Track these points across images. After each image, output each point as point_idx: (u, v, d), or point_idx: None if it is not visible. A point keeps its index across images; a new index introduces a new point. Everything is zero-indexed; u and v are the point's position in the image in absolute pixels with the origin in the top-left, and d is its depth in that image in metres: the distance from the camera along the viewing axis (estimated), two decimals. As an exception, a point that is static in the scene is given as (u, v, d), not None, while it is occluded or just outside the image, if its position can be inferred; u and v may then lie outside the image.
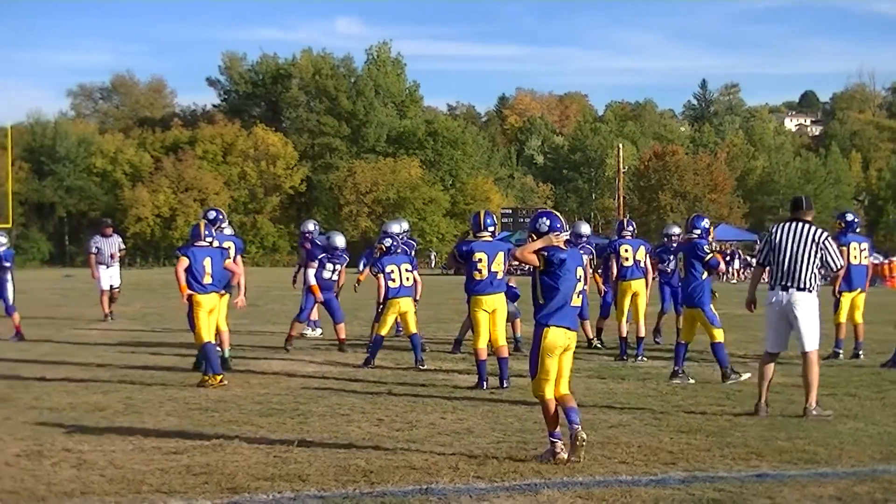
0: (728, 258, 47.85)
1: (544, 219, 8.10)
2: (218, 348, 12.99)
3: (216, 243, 12.91)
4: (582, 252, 9.51)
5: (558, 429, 7.80)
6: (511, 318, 14.45)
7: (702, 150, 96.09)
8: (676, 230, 17.77)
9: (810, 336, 9.82)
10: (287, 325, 16.72)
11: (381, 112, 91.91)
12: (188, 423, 9.49)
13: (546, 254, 7.83)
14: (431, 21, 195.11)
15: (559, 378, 7.88)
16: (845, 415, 9.84)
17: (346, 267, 16.46)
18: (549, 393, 7.82)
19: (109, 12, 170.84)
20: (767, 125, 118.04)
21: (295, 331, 16.12)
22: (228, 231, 14.96)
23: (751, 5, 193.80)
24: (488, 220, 12.02)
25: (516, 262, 8.75)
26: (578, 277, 7.94)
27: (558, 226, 8.01)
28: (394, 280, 13.78)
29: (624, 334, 14.68)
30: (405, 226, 16.92)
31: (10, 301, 18.31)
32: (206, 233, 12.60)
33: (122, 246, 23.28)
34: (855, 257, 14.79)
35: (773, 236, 10.02)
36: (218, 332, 13.05)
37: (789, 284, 9.81)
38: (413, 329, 13.90)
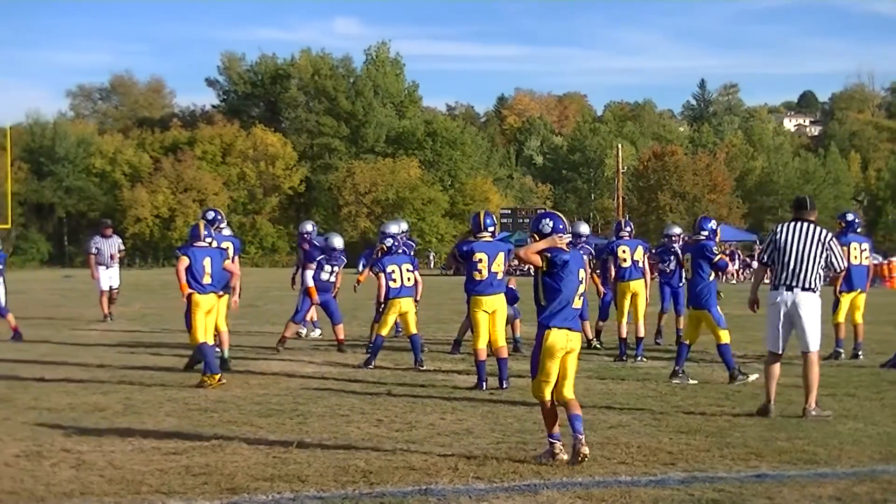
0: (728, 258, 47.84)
1: (547, 220, 8.07)
2: (217, 349, 13.02)
3: (215, 244, 12.92)
4: (581, 252, 9.50)
5: (557, 430, 7.79)
6: (510, 320, 14.45)
7: (701, 151, 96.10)
8: (677, 230, 17.76)
9: (813, 336, 9.83)
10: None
11: (380, 112, 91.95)
12: (187, 423, 9.49)
13: (549, 255, 7.81)
14: (430, 21, 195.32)
15: (564, 381, 7.83)
16: (845, 415, 9.83)
17: (344, 268, 16.45)
18: (549, 394, 7.81)
19: (108, 12, 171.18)
20: (766, 125, 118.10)
21: (289, 332, 16.05)
22: (227, 232, 14.97)
23: (750, 5, 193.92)
24: (488, 221, 12.01)
25: (517, 262, 8.74)
26: (580, 279, 7.92)
27: (561, 227, 7.99)
28: (395, 280, 13.77)
29: (623, 335, 14.67)
30: (404, 226, 16.88)
31: (3, 303, 18.27)
32: (206, 233, 12.61)
33: (122, 247, 23.28)
34: (855, 257, 14.78)
35: (777, 236, 9.99)
36: (217, 333, 13.06)
37: (794, 284, 9.80)
38: (413, 330, 13.89)
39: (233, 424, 9.39)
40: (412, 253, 15.90)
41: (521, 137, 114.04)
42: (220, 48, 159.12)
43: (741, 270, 50.31)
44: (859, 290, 14.97)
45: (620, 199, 77.71)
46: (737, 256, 52.22)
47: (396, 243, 14.56)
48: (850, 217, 15.43)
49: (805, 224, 9.97)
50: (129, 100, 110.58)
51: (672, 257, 17.11)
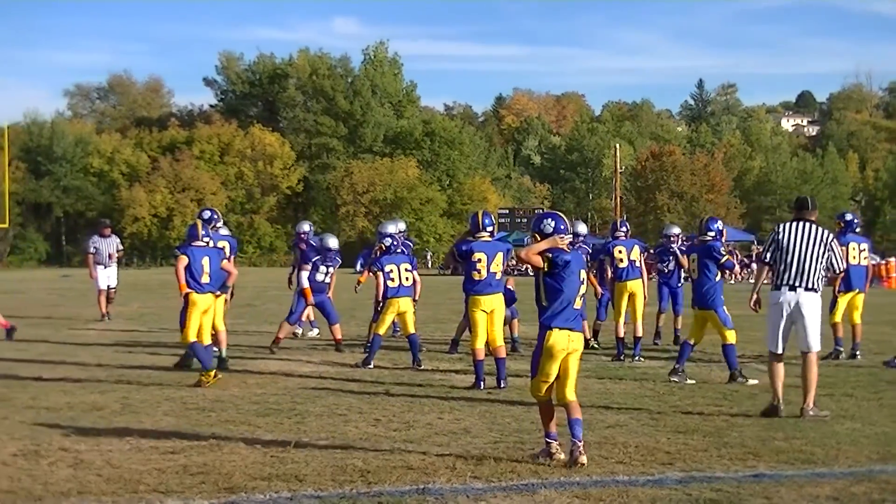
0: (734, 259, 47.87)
1: (549, 220, 8.03)
2: (215, 349, 13.02)
3: (212, 243, 12.92)
4: (581, 252, 9.49)
5: (555, 429, 7.79)
6: (508, 320, 14.45)
7: (699, 151, 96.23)
8: (675, 230, 17.79)
9: (815, 336, 9.83)
10: (283, 325, 16.69)
11: (378, 112, 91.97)
12: (185, 422, 9.48)
13: (550, 255, 7.78)
14: (428, 21, 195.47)
15: (566, 382, 7.80)
16: (842, 415, 9.84)
17: (341, 267, 16.43)
18: (547, 394, 7.80)
19: (106, 12, 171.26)
20: (764, 125, 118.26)
21: (283, 333, 15.95)
22: (224, 231, 14.97)
23: (748, 5, 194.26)
24: (486, 221, 12.02)
25: (516, 262, 8.73)
26: (581, 280, 7.90)
27: (563, 227, 7.96)
28: (393, 280, 13.77)
29: (621, 335, 14.67)
30: (402, 226, 16.86)
31: None
32: (204, 233, 12.61)
33: (120, 247, 23.28)
34: (854, 257, 14.76)
35: (779, 236, 9.97)
36: (215, 333, 13.06)
37: (797, 284, 9.79)
38: (411, 329, 13.89)
39: (230, 424, 9.38)
40: (410, 252, 15.90)
41: (519, 137, 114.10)
42: (219, 48, 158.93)
43: (739, 270, 50.29)
44: (857, 290, 14.96)
45: (618, 198, 77.74)
46: (734, 256, 52.24)
47: (395, 243, 14.56)
48: (848, 217, 15.42)
49: (807, 224, 9.97)
50: (127, 99, 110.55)
51: (671, 257, 17.13)
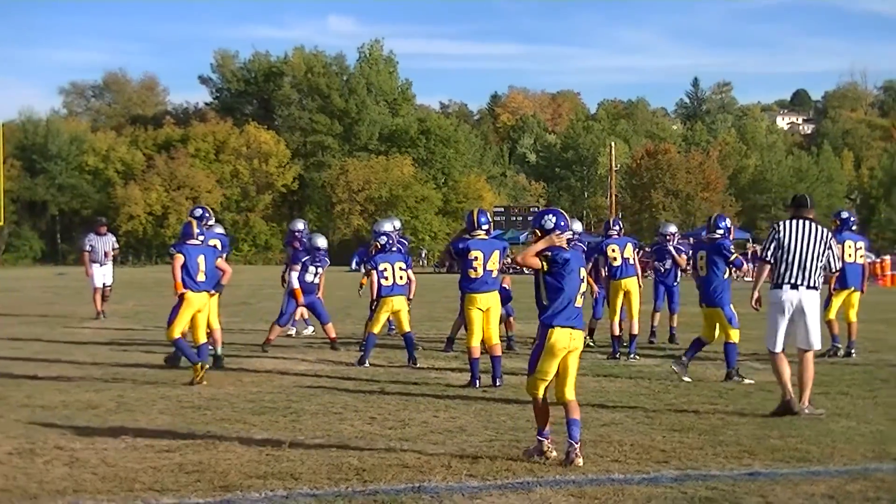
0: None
1: (550, 216, 7.98)
2: (211, 347, 13.01)
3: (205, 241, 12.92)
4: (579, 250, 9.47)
5: (548, 428, 7.78)
6: (503, 318, 14.44)
7: (694, 149, 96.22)
8: (672, 229, 17.82)
9: (816, 334, 9.84)
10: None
11: (373, 110, 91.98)
12: (180, 421, 9.48)
13: (549, 254, 7.74)
14: (424, 19, 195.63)
15: (565, 381, 7.77)
16: (837, 413, 9.85)
17: (335, 266, 16.40)
18: (543, 392, 7.79)
19: (101, 10, 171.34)
20: (759, 124, 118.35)
21: (273, 334, 15.86)
22: (219, 229, 14.95)
23: (744, 4, 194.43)
24: (482, 219, 12.01)
25: (511, 261, 8.71)
26: (582, 278, 7.87)
27: (563, 224, 7.91)
28: (387, 278, 13.76)
29: (616, 333, 14.68)
30: (397, 224, 16.86)
31: None
32: (199, 231, 12.60)
33: (116, 245, 23.30)
34: (849, 255, 14.74)
35: (780, 234, 9.95)
36: (210, 331, 13.05)
37: (799, 283, 9.79)
38: (406, 327, 13.89)
39: (226, 422, 9.38)
40: (405, 252, 15.88)
41: (515, 135, 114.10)
42: (214, 46, 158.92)
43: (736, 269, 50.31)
44: (853, 289, 14.96)
45: (613, 196, 77.84)
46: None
47: (390, 241, 14.53)
48: (844, 215, 15.43)
49: (807, 223, 9.96)
50: (122, 97, 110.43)
51: (667, 256, 17.14)
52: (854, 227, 15.35)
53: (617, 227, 15.41)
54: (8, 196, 67.13)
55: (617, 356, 14.45)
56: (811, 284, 9.81)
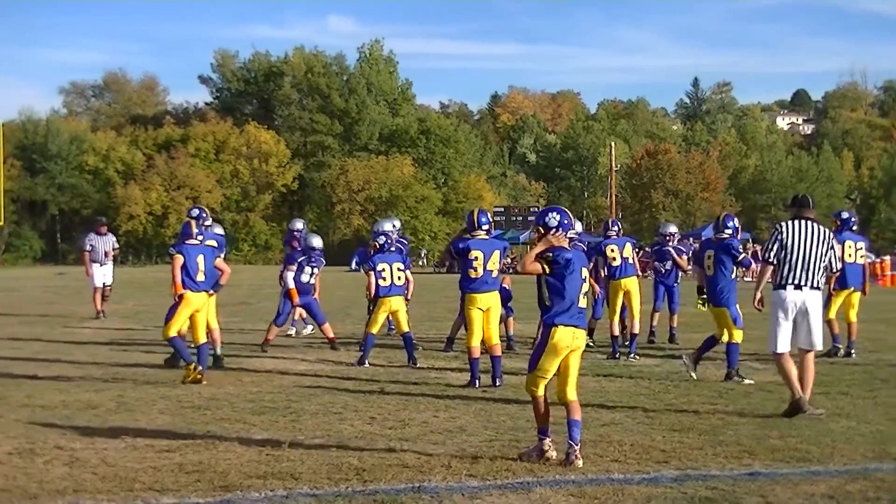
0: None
1: (554, 213, 7.95)
2: (210, 347, 13.00)
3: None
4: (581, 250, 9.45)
5: (548, 426, 7.76)
6: (503, 318, 14.44)
7: (694, 149, 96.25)
8: (672, 229, 17.83)
9: (819, 335, 9.83)
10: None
11: (373, 110, 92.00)
12: (180, 421, 9.47)
13: (551, 255, 7.71)
14: (424, 19, 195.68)
15: (567, 381, 7.76)
16: (837, 413, 9.84)
17: (335, 266, 16.39)
18: (542, 390, 7.78)
19: (101, 10, 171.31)
20: (759, 124, 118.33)
21: (271, 334, 15.86)
22: (218, 230, 14.95)
23: (743, 4, 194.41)
24: (483, 219, 12.02)
25: (511, 260, 8.69)
26: (584, 278, 7.84)
27: (566, 222, 7.90)
28: (384, 279, 13.74)
29: (616, 333, 14.69)
30: (397, 224, 16.85)
31: None
32: (198, 231, 12.60)
33: (116, 245, 23.32)
34: (850, 255, 14.72)
35: (783, 235, 9.92)
36: (209, 331, 13.04)
37: (803, 283, 9.77)
38: (405, 328, 13.88)
39: (226, 422, 9.37)
40: (406, 252, 15.86)
41: (515, 135, 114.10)
42: (214, 46, 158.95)
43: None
44: (853, 289, 14.94)
45: (613, 197, 77.83)
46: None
47: (388, 241, 14.50)
48: (845, 215, 15.41)
49: (810, 223, 9.95)
50: (122, 97, 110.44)
51: (668, 256, 17.14)
52: (854, 228, 15.33)
53: (616, 228, 15.42)
54: (8, 196, 67.17)
55: (617, 356, 14.44)
56: (815, 285, 9.80)
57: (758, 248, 31.47)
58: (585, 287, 7.87)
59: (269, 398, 10.80)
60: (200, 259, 12.30)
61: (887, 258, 45.74)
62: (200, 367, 11.99)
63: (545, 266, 7.71)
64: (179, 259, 12.19)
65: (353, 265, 16.55)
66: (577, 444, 7.53)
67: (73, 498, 6.67)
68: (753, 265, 15.11)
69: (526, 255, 7.90)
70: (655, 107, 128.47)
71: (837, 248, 10.24)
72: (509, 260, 15.45)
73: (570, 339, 7.69)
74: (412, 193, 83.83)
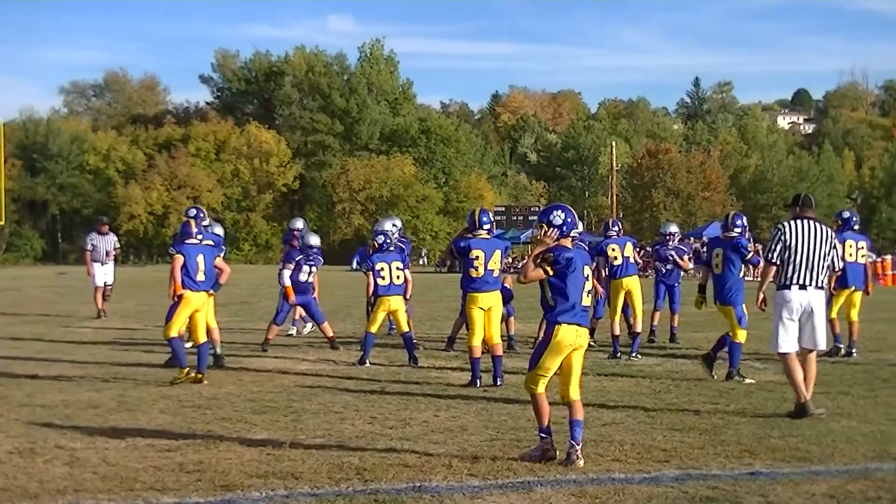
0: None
1: (559, 211, 7.92)
2: (210, 347, 13.00)
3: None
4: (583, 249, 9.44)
5: (549, 425, 7.74)
6: (504, 317, 14.43)
7: (695, 148, 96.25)
8: (673, 229, 17.80)
9: (823, 334, 9.82)
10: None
11: (374, 110, 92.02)
12: (181, 420, 9.47)
13: (552, 255, 7.71)
14: (424, 19, 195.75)
15: (569, 380, 7.75)
16: (838, 413, 9.83)
17: (336, 265, 16.39)
18: (542, 388, 7.77)
19: (101, 10, 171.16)
20: (760, 123, 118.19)
21: (271, 334, 15.85)
22: (218, 230, 14.94)
23: (744, 3, 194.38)
24: (484, 218, 12.02)
25: (512, 260, 8.68)
26: (586, 276, 7.84)
27: (570, 220, 7.89)
28: (383, 278, 13.71)
29: (617, 332, 14.67)
30: (398, 223, 16.83)
31: None
32: (197, 230, 12.59)
33: (118, 245, 23.33)
34: (850, 255, 14.70)
35: (786, 235, 9.89)
36: (209, 331, 13.03)
37: (808, 283, 9.76)
38: (405, 327, 13.87)
39: (226, 421, 9.37)
40: (408, 252, 15.84)
41: (516, 135, 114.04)
42: (215, 45, 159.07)
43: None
44: (854, 288, 14.92)
45: (614, 196, 77.86)
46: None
47: (387, 241, 14.48)
48: (846, 215, 15.39)
49: (812, 223, 9.93)
50: (122, 97, 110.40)
51: (669, 257, 17.13)
52: (856, 227, 15.32)
53: (616, 228, 15.42)
54: (9, 195, 67.17)
55: (618, 355, 14.44)
56: (819, 284, 9.79)
57: (759, 247, 31.49)
58: (588, 285, 7.86)
59: (269, 398, 10.80)
60: (200, 259, 12.29)
61: (888, 257, 45.70)
62: (198, 371, 11.97)
63: (547, 269, 7.70)
64: (179, 259, 12.19)
65: (354, 265, 16.49)
66: (578, 445, 7.52)
67: (74, 497, 6.67)
68: (762, 263, 15.08)
69: (524, 264, 7.89)
70: (656, 106, 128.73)
71: (840, 248, 10.23)
72: (510, 259, 15.44)
73: (573, 338, 7.68)
74: (413, 193, 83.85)
